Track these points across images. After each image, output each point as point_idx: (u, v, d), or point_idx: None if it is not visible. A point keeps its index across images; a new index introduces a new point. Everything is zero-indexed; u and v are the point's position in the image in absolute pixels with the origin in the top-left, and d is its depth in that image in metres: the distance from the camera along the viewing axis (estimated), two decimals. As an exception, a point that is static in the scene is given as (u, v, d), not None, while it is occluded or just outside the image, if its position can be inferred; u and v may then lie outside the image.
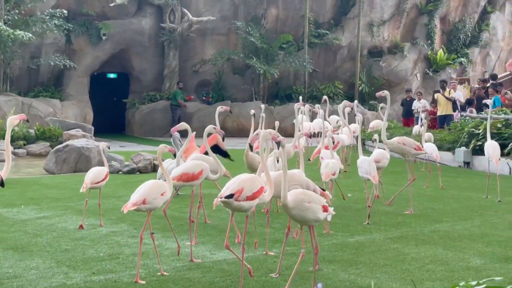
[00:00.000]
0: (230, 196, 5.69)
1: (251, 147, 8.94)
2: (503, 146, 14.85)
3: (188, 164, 7.91)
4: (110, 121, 27.04)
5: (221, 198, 5.71)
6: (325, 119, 13.55)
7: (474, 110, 18.29)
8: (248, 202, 5.79)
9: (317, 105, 16.14)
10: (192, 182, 7.61)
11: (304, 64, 26.81)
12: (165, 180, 6.75)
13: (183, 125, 8.64)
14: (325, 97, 16.96)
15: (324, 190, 7.34)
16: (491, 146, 11.09)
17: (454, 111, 19.84)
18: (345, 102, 14.42)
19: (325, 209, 5.96)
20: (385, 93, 10.23)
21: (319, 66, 28.39)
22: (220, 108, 10.36)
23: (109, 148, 9.21)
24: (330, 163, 9.08)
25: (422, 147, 10.87)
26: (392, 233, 8.30)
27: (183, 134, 9.39)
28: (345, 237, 8.09)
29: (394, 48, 29.64)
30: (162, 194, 6.48)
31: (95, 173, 8.73)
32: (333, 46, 28.65)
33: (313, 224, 6.02)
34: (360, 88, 28.32)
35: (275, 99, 27.33)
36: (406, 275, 6.34)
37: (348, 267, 6.64)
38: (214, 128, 8.15)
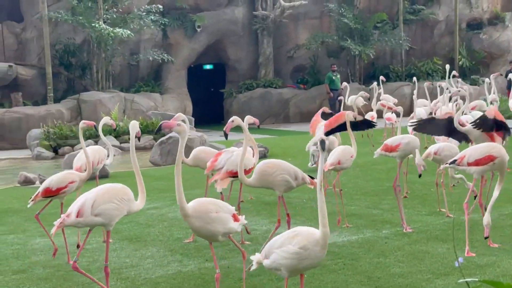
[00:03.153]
0: (453, 161, 6.64)
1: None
2: None
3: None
4: (209, 111, 27.41)
5: (446, 163, 6.82)
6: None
7: None
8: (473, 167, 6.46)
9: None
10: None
11: (400, 42, 26.23)
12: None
13: (179, 116, 8.61)
14: (381, 77, 16.67)
15: (313, 178, 6.59)
16: None
17: None
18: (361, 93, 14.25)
19: (235, 219, 5.14)
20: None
21: (416, 43, 27.70)
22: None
23: (115, 127, 8.97)
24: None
25: None
26: (507, 209, 8.00)
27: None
28: (458, 215, 7.84)
29: (494, 18, 28.50)
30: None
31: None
32: (429, 22, 27.87)
33: (220, 240, 5.13)
34: (460, 63, 27.43)
35: (372, 79, 26.82)
36: (526, 252, 6.08)
37: (463, 246, 6.44)
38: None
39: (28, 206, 6.82)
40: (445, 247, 6.46)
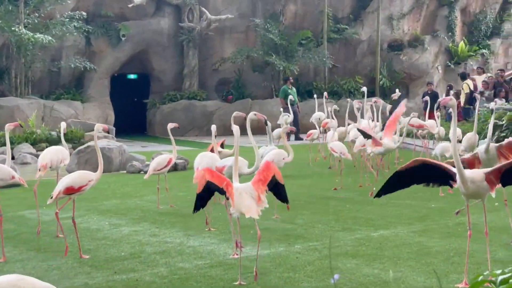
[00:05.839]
0: None
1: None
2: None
3: None
4: (132, 121, 27.11)
5: None
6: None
7: (498, 100, 18.08)
8: None
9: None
10: None
11: (324, 59, 26.67)
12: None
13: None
14: (325, 93, 17.01)
15: None
16: None
17: (471, 103, 19.71)
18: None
19: None
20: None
21: (339, 61, 28.23)
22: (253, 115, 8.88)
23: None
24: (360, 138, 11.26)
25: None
26: (416, 227, 8.20)
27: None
28: (369, 231, 8.01)
29: (414, 41, 29.37)
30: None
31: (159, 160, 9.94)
32: (352, 41, 28.47)
33: None
34: (381, 82, 28.10)
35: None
36: (430, 268, 6.25)
37: (372, 262, 6.57)
38: (255, 115, 7.80)
39: (48, 203, 7.30)
40: (354, 263, 6.56)
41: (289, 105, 18.40)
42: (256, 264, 6.18)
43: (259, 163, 7.79)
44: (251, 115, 7.76)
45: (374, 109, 14.54)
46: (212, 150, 9.89)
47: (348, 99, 16.52)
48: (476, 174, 5.80)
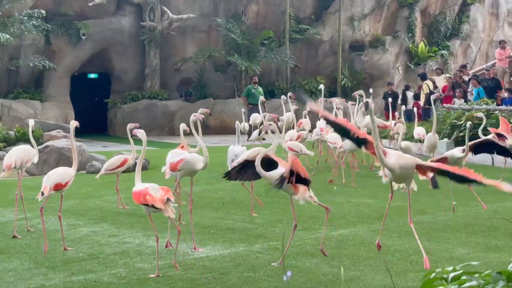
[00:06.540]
0: None
1: None
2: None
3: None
4: (92, 121, 26.78)
5: None
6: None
7: (456, 100, 18.35)
8: None
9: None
10: None
11: (286, 59, 26.73)
12: None
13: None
14: (290, 93, 16.86)
15: None
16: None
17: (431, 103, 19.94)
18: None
19: None
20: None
21: (301, 62, 28.32)
22: (201, 111, 9.55)
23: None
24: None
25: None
26: (376, 226, 8.26)
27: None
28: (329, 230, 8.02)
29: (375, 42, 29.61)
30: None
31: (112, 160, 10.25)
32: (314, 41, 28.59)
33: None
34: (342, 82, 28.27)
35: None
36: (389, 267, 6.29)
37: (331, 261, 6.59)
38: (194, 116, 8.22)
39: (39, 200, 7.34)
40: (314, 262, 6.58)
41: (259, 105, 18.30)
42: (175, 258, 6.49)
43: (207, 161, 7.80)
44: (192, 117, 8.21)
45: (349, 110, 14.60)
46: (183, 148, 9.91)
47: (324, 99, 16.49)
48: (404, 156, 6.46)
